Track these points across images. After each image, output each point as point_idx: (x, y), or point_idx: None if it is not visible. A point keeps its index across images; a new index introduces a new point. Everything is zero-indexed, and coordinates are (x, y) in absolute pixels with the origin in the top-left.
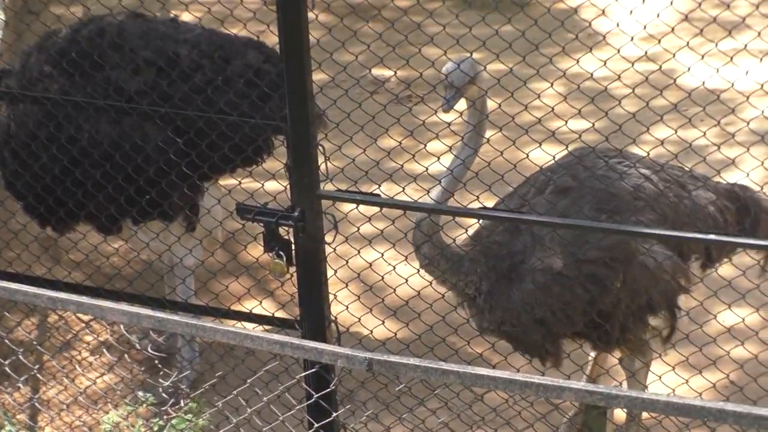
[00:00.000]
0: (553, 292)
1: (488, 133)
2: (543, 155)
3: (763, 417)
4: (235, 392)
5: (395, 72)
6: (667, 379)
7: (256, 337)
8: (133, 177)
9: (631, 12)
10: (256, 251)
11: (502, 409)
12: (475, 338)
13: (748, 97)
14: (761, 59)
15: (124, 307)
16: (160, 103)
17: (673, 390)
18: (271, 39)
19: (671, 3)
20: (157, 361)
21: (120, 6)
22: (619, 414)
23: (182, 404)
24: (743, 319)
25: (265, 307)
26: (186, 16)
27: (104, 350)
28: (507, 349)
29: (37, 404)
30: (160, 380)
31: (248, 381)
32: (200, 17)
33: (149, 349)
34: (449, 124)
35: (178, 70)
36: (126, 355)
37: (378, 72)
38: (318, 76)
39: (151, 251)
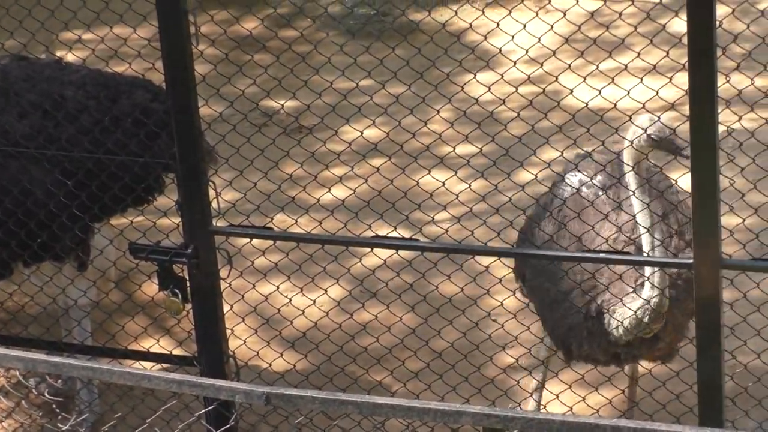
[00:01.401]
0: None
1: (377, 162)
2: (433, 181)
3: (656, 430)
4: None
5: (282, 105)
6: (564, 397)
7: (153, 377)
8: (24, 221)
9: (513, 37)
10: (151, 289)
11: None
12: (373, 366)
13: (630, 117)
14: (642, 78)
15: (18, 353)
16: (47, 145)
17: (571, 408)
18: (157, 76)
19: (552, 27)
20: (55, 405)
21: (3, 49)
22: None
23: None
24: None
25: (163, 345)
26: (70, 57)
27: (1, 397)
28: (406, 376)
29: None
30: (59, 425)
31: (148, 420)
32: (85, 57)
33: (47, 394)
34: (339, 154)
35: (64, 112)
36: (23, 401)
37: (266, 105)
38: (206, 112)
39: (45, 294)
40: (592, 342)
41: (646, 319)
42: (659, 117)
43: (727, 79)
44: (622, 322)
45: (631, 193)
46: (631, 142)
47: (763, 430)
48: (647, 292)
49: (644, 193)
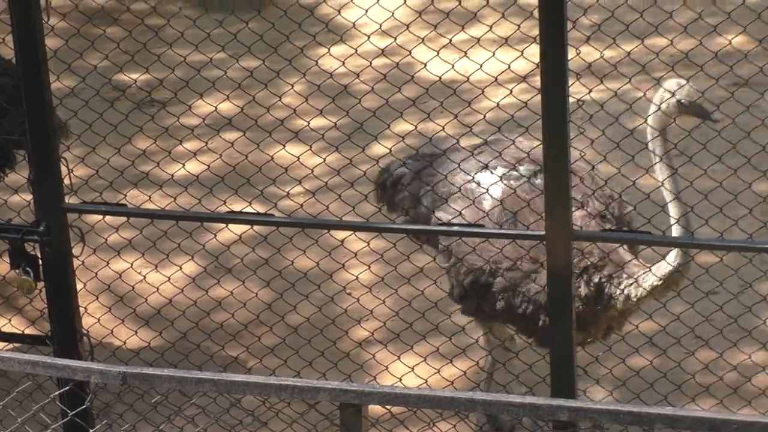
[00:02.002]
0: None
1: (231, 136)
2: (288, 156)
3: (512, 403)
4: None
5: (135, 79)
6: (420, 370)
7: (6, 358)
8: None
9: (366, 11)
10: (2, 268)
11: (260, 412)
12: (229, 342)
13: (483, 90)
14: (494, 52)
15: None
16: None
17: (426, 380)
18: (7, 51)
19: (405, 1)
20: None
21: None
22: (375, 409)
23: None
24: None
25: (15, 325)
26: None
27: None
28: (262, 351)
29: None
30: None
31: (1, 403)
32: None
33: None
34: (192, 129)
35: None
36: None
37: (118, 79)
38: (57, 86)
39: None
40: (595, 320)
41: (685, 269)
42: (688, 80)
43: (578, 51)
44: (658, 277)
45: (657, 159)
46: (659, 107)
47: (613, 398)
48: (676, 258)
49: (670, 159)
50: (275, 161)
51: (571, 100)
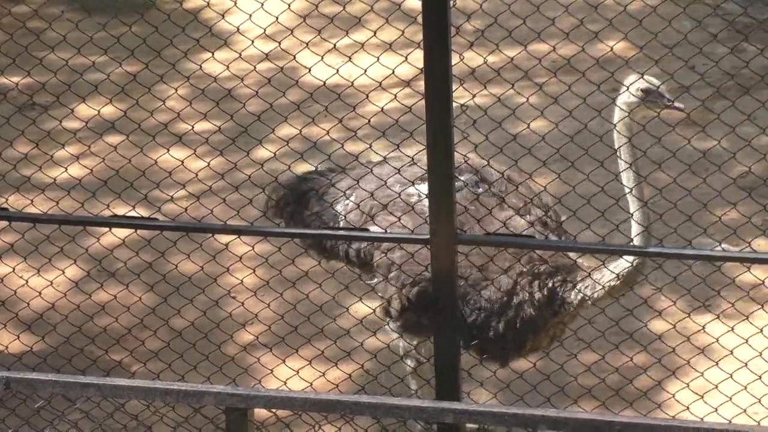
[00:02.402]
0: None
1: (114, 140)
2: (171, 159)
3: (397, 406)
4: None
5: (17, 83)
6: (305, 373)
7: None
8: None
9: (250, 16)
10: None
11: (145, 416)
12: (112, 346)
13: (367, 94)
14: (379, 56)
15: None
16: None
17: (311, 384)
18: None
19: (289, 6)
20: None
21: None
22: (260, 413)
23: None
24: (374, 310)
25: None
26: None
27: None
28: (146, 355)
29: None
30: None
31: None
32: None
33: None
34: (75, 132)
35: None
36: None
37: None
38: None
39: None
40: (545, 326)
41: (642, 267)
42: (642, 74)
43: (461, 56)
44: (616, 275)
45: (626, 166)
46: (624, 108)
47: (497, 400)
48: (642, 240)
49: (631, 155)
50: (159, 165)
51: (454, 105)
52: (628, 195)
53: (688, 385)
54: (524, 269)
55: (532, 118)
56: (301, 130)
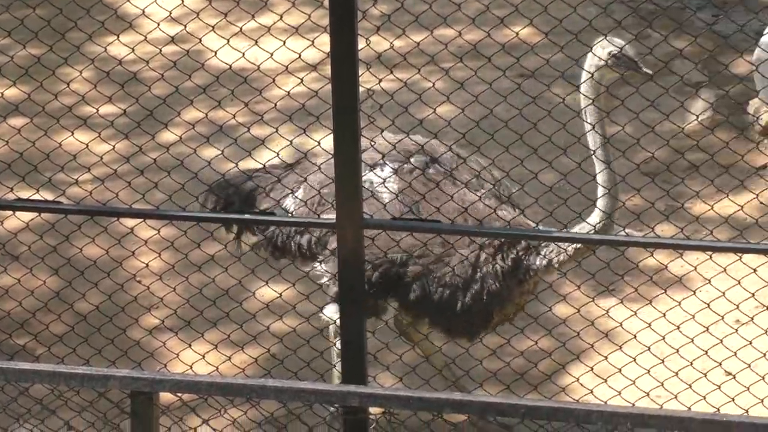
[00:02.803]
0: None
1: (18, 122)
2: (76, 142)
3: (303, 390)
4: None
5: None
6: (211, 357)
7: None
8: None
9: None
10: None
11: (49, 400)
12: (16, 330)
13: (274, 78)
14: (285, 40)
15: None
16: None
17: (217, 368)
18: None
19: None
20: None
21: None
22: (166, 397)
23: None
24: (281, 294)
25: None
26: None
27: None
28: (50, 340)
29: None
30: None
31: None
32: None
33: None
34: None
35: None
36: None
37: None
38: None
39: None
40: (510, 296)
41: (607, 232)
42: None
43: (367, 41)
44: (566, 251)
45: (589, 128)
46: (591, 73)
47: (403, 384)
48: (606, 205)
49: (603, 128)
50: (63, 148)
51: (361, 89)
52: (593, 157)
53: (592, 369)
54: (486, 240)
55: (439, 103)
56: (206, 114)
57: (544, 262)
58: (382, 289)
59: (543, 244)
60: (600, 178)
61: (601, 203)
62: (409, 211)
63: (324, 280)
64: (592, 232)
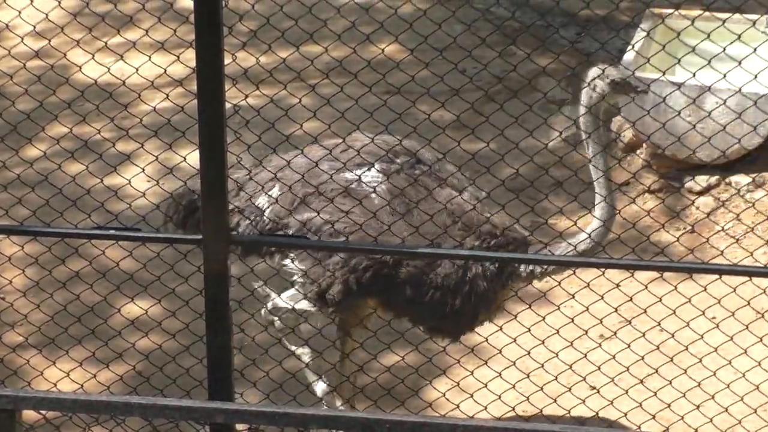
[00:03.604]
0: None
1: None
2: None
3: (168, 406)
4: None
5: None
6: (76, 375)
7: None
8: None
9: (20, 12)
10: None
11: None
12: None
13: (140, 94)
14: (150, 55)
15: None
16: None
17: (82, 385)
18: None
19: (60, 3)
20: None
21: None
22: (29, 415)
23: None
24: (146, 311)
25: None
26: None
27: None
28: None
29: None
30: None
31: None
32: None
33: None
34: None
35: None
36: None
37: None
38: None
39: None
40: (495, 298)
41: (601, 241)
42: (612, 62)
43: (234, 57)
44: (574, 248)
45: (586, 136)
46: (593, 88)
47: (270, 400)
48: (603, 214)
49: (600, 137)
50: None
51: (227, 105)
52: (597, 180)
53: (458, 384)
54: (475, 243)
55: (305, 119)
56: (72, 129)
57: (528, 269)
58: (368, 289)
59: (531, 252)
60: (598, 188)
61: (597, 212)
62: (402, 212)
63: (296, 278)
64: (589, 241)
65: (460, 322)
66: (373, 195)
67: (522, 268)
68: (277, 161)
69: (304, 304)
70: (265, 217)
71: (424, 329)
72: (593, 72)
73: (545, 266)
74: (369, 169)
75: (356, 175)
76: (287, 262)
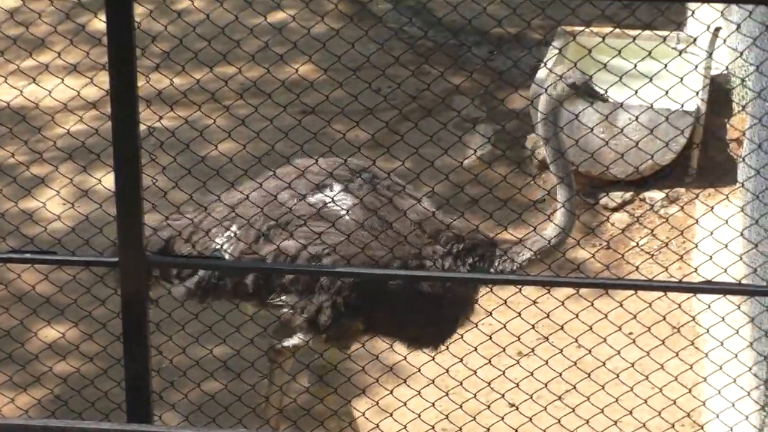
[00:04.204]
0: None
1: None
2: None
3: (85, 429)
4: None
5: None
6: None
7: None
8: None
9: None
10: None
11: None
12: None
13: (53, 117)
14: (63, 78)
15: None
16: None
17: (0, 410)
18: None
19: None
20: None
21: None
22: None
23: None
24: (64, 334)
25: None
26: None
27: None
28: None
29: None
30: None
31: None
32: None
33: None
34: None
35: None
36: None
37: None
38: None
39: None
40: (471, 300)
41: (560, 246)
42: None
43: (147, 78)
44: (533, 252)
45: (543, 142)
46: (549, 92)
47: (189, 422)
48: (563, 220)
49: (558, 143)
50: None
51: (142, 127)
52: (558, 185)
53: (377, 403)
54: (444, 250)
55: (220, 140)
56: None
57: (499, 268)
58: (356, 309)
59: (498, 255)
60: (559, 194)
61: (557, 218)
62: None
63: (285, 311)
64: (548, 246)
65: (443, 329)
66: (345, 216)
67: (492, 270)
68: (230, 198)
69: (296, 339)
70: (227, 255)
71: (405, 343)
72: (553, 77)
73: (516, 264)
74: (332, 190)
75: (322, 197)
76: (273, 298)
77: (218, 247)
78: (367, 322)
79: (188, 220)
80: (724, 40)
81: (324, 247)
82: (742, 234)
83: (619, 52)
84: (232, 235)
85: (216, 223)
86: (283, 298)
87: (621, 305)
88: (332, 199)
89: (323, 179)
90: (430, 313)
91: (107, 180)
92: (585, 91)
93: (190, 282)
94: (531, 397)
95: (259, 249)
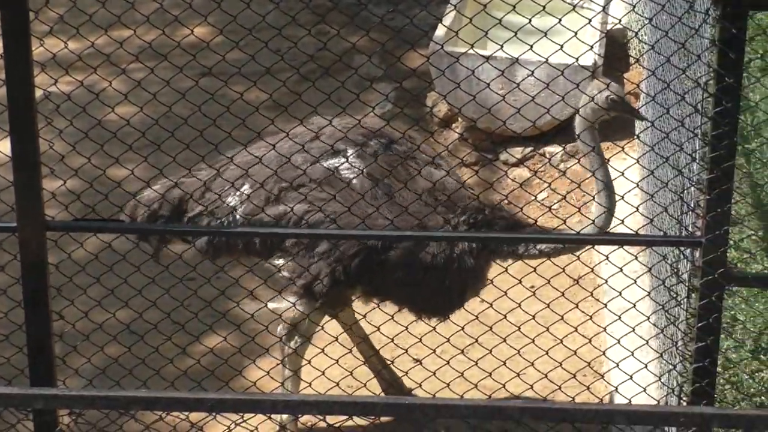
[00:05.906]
0: None
1: None
2: None
3: None
4: None
5: None
6: None
7: None
8: None
9: None
10: None
11: None
12: None
13: None
14: None
15: None
16: None
17: None
18: None
19: None
20: None
21: None
22: None
23: None
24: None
25: None
26: None
27: None
28: None
29: None
30: None
31: None
32: None
33: None
34: None
35: None
36: None
37: None
38: None
39: None
40: (482, 273)
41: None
42: (608, 84)
43: (42, 42)
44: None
45: (588, 150)
46: (592, 100)
47: (93, 386)
48: (606, 200)
49: (600, 151)
50: None
51: (38, 91)
52: (601, 191)
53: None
54: (461, 219)
55: (117, 103)
56: None
57: (511, 248)
58: (356, 278)
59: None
60: (600, 200)
61: (601, 199)
62: (378, 191)
63: (284, 273)
64: (592, 227)
65: (449, 299)
66: (355, 180)
67: (505, 246)
68: (243, 158)
69: (290, 300)
70: (237, 216)
71: (411, 310)
72: (594, 86)
73: (526, 248)
74: (345, 156)
75: (335, 162)
76: (272, 260)
77: (231, 206)
78: (370, 289)
79: (199, 180)
80: None
81: (328, 213)
82: (638, 185)
83: (514, 7)
84: (245, 195)
85: (227, 184)
86: (282, 261)
87: (521, 259)
88: (347, 160)
89: (335, 142)
90: (435, 283)
91: (4, 145)
92: (622, 106)
93: (201, 241)
94: (434, 351)
95: (273, 205)
